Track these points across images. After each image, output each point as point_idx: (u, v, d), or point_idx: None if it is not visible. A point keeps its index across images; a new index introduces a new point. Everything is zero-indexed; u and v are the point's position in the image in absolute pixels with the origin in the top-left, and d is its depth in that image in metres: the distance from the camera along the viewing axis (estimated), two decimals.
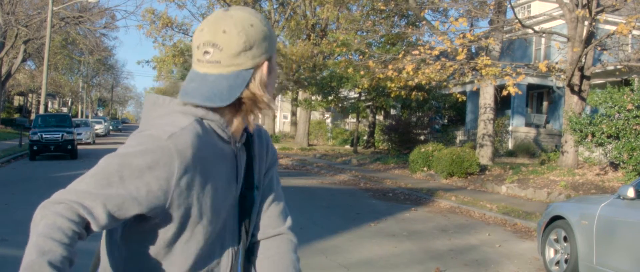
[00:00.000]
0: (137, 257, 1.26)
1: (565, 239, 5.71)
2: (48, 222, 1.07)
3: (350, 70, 18.31)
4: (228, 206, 1.31)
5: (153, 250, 1.25)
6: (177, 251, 1.25)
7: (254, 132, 1.40)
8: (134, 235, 1.25)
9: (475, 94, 20.15)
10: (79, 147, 22.13)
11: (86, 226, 1.12)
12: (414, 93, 17.48)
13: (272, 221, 1.44)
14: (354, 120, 28.70)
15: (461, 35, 13.64)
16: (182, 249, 1.25)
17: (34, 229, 1.08)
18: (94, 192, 1.11)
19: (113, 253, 1.29)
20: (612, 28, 13.33)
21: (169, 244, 1.24)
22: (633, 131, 10.99)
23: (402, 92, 17.09)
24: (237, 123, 1.27)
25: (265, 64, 1.25)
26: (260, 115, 1.28)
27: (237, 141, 1.31)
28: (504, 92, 13.59)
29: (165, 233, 1.23)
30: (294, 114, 37.98)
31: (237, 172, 1.32)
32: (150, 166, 1.14)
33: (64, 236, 1.06)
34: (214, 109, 1.24)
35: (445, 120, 28.28)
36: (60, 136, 19.54)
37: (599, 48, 14.00)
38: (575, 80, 13.19)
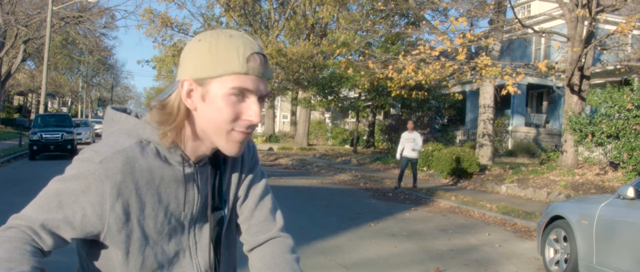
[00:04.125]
0: None
1: (565, 238, 5.72)
2: (6, 246, 1.10)
3: (350, 70, 18.31)
4: (183, 228, 1.28)
5: None
6: None
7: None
8: (93, 261, 1.26)
9: (475, 93, 20.17)
10: (79, 146, 22.12)
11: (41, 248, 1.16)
12: (414, 92, 17.49)
13: (260, 226, 1.39)
14: (354, 120, 28.71)
15: (461, 35, 13.63)
16: None
17: None
18: (34, 217, 1.14)
19: None
20: (612, 28, 13.33)
21: (123, 269, 1.22)
22: (633, 131, 11.00)
23: (402, 92, 17.10)
24: (188, 144, 1.24)
25: (188, 82, 1.17)
26: (204, 137, 1.21)
27: (193, 161, 1.26)
28: (504, 92, 13.60)
29: (116, 258, 1.22)
30: (293, 113, 37.99)
31: (188, 193, 1.26)
32: (83, 191, 1.14)
33: (25, 252, 1.10)
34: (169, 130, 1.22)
35: (445, 120, 28.28)
36: (60, 135, 19.56)
37: (598, 48, 14.00)
38: (575, 80, 13.20)
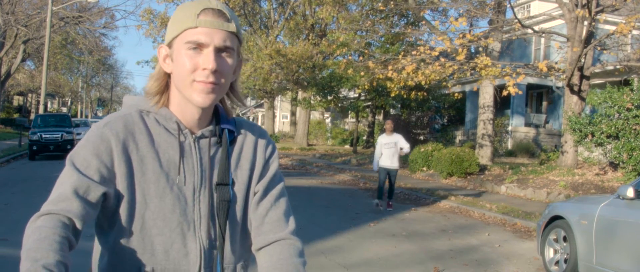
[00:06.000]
0: (106, 255, 1.33)
1: (564, 239, 5.72)
2: (35, 237, 1.14)
3: (350, 71, 18.29)
4: (187, 200, 1.32)
5: (116, 244, 1.31)
6: (135, 241, 1.30)
7: (243, 131, 1.44)
8: (101, 236, 1.35)
9: (475, 94, 20.16)
10: None
11: (73, 229, 1.21)
12: (413, 93, 17.47)
13: (272, 226, 1.41)
14: (354, 120, 28.70)
15: (461, 35, 13.64)
16: (138, 239, 1.30)
17: (24, 247, 1.14)
18: (63, 193, 1.22)
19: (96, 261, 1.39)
20: (612, 28, 13.33)
21: (126, 234, 1.30)
22: (632, 131, 11.00)
23: (402, 92, 17.08)
24: (177, 108, 1.35)
25: (163, 49, 1.34)
26: (189, 97, 1.30)
27: (188, 129, 1.35)
28: (504, 93, 13.59)
29: (120, 222, 1.29)
30: (293, 113, 37.99)
31: (186, 161, 1.33)
32: (94, 153, 1.27)
33: (53, 242, 1.13)
34: (167, 102, 1.36)
35: (445, 120, 28.28)
36: (59, 135, 19.55)
37: (598, 48, 14.00)
38: (575, 80, 13.20)
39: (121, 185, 1.28)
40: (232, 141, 1.41)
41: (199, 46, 1.26)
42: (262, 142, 1.45)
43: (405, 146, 10.16)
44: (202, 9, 1.26)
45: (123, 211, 1.28)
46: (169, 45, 1.31)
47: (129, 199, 1.28)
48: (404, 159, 15.88)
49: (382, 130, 16.55)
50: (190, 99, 1.29)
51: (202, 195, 1.34)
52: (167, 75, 1.35)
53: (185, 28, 1.27)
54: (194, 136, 1.35)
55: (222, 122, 1.40)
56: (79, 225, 1.21)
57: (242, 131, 1.44)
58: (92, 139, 1.29)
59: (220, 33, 1.26)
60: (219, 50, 1.27)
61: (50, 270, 1.07)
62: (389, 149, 10.12)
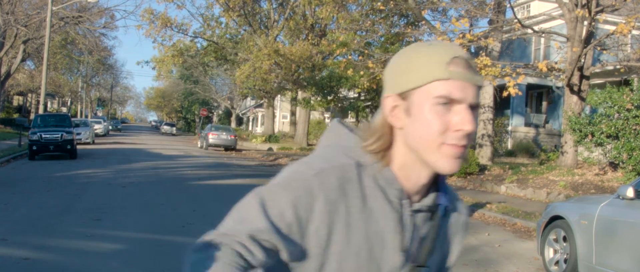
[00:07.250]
0: None
1: (564, 239, 5.72)
2: (215, 265, 0.99)
3: (350, 71, 18.30)
4: None
5: None
6: None
7: (455, 208, 1.25)
8: None
9: None
10: (78, 147, 22.11)
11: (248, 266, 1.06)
12: None
13: None
14: (353, 120, 28.70)
15: (461, 35, 13.64)
16: None
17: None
18: (239, 228, 1.04)
19: None
20: (612, 28, 13.34)
21: None
22: (632, 131, 11.00)
23: None
24: (399, 170, 1.11)
25: (391, 98, 1.09)
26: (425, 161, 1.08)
27: (411, 202, 1.13)
28: (504, 93, 13.60)
29: None
30: (293, 113, 37.99)
31: (398, 237, 1.11)
32: (292, 205, 1.04)
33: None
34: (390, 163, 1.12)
35: None
36: (59, 135, 19.51)
37: (598, 48, 14.01)
38: (575, 80, 13.20)
39: (315, 248, 1.06)
40: (443, 216, 1.21)
41: (450, 102, 1.03)
42: (464, 227, 1.28)
43: None
44: (452, 57, 1.04)
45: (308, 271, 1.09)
46: (402, 95, 1.07)
47: (320, 264, 1.08)
48: None
49: None
50: (433, 164, 1.06)
51: None
52: (392, 129, 1.11)
53: (433, 79, 1.04)
54: (411, 208, 1.13)
55: (440, 189, 1.18)
56: (253, 263, 1.03)
57: (454, 208, 1.24)
58: (297, 186, 1.05)
59: (473, 88, 1.05)
60: (471, 108, 1.05)
61: None
62: None
